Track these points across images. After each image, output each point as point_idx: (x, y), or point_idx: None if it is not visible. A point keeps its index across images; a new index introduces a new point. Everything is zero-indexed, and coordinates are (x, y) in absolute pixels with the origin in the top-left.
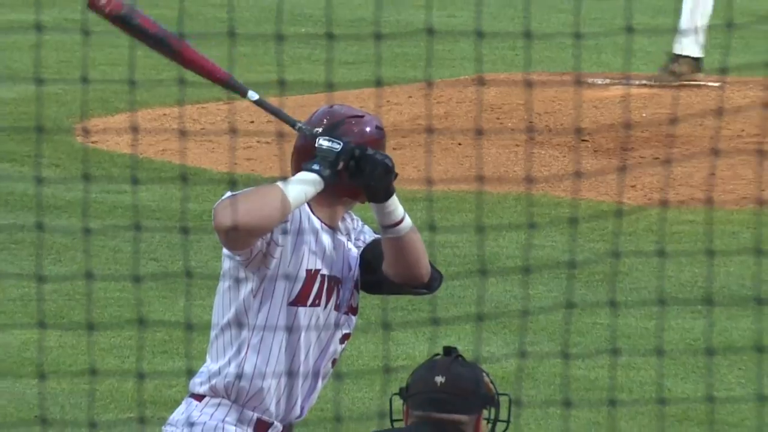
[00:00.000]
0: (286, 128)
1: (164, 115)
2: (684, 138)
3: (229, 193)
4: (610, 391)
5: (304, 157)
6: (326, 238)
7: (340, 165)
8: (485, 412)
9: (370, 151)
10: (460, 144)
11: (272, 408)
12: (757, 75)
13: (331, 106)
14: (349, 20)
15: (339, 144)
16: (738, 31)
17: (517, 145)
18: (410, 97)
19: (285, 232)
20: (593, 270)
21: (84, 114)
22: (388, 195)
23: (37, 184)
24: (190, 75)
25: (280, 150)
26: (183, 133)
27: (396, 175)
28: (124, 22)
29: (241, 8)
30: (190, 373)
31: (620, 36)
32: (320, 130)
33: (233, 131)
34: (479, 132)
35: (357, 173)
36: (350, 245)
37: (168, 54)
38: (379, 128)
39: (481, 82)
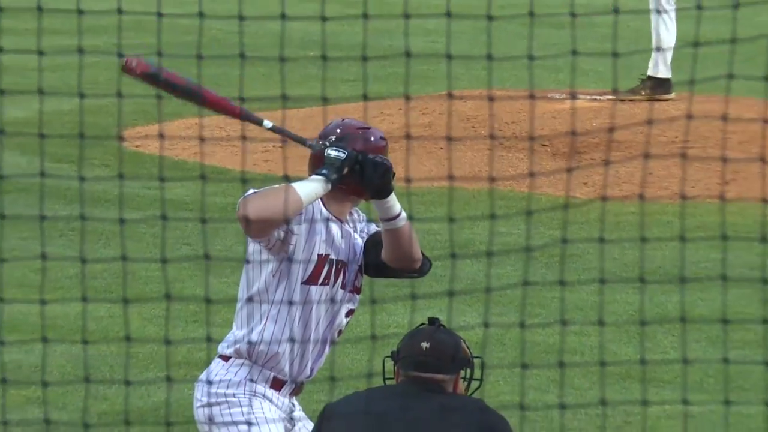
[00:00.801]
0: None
1: (195, 124)
2: (626, 143)
3: (252, 190)
4: (564, 354)
5: (318, 163)
6: (335, 228)
7: (345, 170)
8: (462, 373)
9: (370, 156)
10: (441, 148)
11: (286, 369)
12: (715, 92)
13: (343, 120)
14: (350, 45)
15: (344, 153)
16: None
17: (488, 149)
18: (400, 109)
19: (300, 223)
20: (551, 253)
21: (128, 123)
22: (387, 192)
23: (89, 182)
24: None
25: (284, 153)
26: (209, 140)
27: (394, 174)
28: (154, 78)
29: (259, 35)
30: (214, 339)
31: (576, 58)
32: (328, 142)
33: (245, 137)
34: (455, 139)
35: (360, 175)
36: (356, 235)
37: (192, 100)
38: (382, 138)
39: (456, 96)
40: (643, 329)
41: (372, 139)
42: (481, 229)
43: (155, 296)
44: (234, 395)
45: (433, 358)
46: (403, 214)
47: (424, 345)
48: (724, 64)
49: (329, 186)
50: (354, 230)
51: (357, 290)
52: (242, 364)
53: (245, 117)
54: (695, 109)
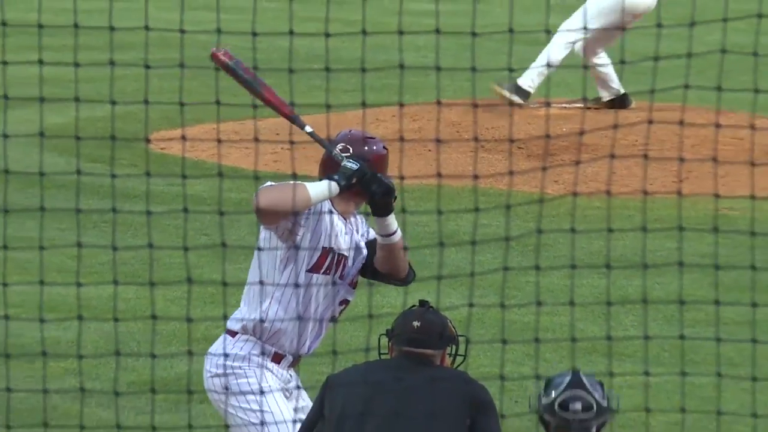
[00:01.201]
0: (297, 137)
1: (213, 128)
2: (593, 146)
3: (269, 183)
4: (539, 332)
5: (329, 168)
6: (340, 224)
7: (354, 180)
8: (448, 348)
9: (378, 175)
10: (429, 150)
11: (286, 345)
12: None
13: (350, 131)
14: (350, 59)
15: (357, 165)
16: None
17: (472, 151)
18: (393, 116)
19: (308, 216)
20: (527, 242)
21: (154, 128)
22: (387, 211)
23: (119, 179)
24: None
25: (291, 155)
26: (225, 142)
27: (395, 197)
28: (232, 69)
29: (270, 50)
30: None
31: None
32: (347, 154)
33: (258, 140)
34: (442, 141)
35: (366, 187)
36: (357, 236)
37: (255, 93)
38: (385, 147)
39: (443, 104)
40: (608, 309)
41: (375, 147)
42: (465, 221)
43: (177, 280)
44: (241, 367)
45: (423, 335)
46: (399, 233)
47: (415, 324)
48: (680, 77)
49: (337, 190)
50: (356, 231)
51: (354, 284)
52: (247, 340)
53: (293, 119)
54: (654, 116)
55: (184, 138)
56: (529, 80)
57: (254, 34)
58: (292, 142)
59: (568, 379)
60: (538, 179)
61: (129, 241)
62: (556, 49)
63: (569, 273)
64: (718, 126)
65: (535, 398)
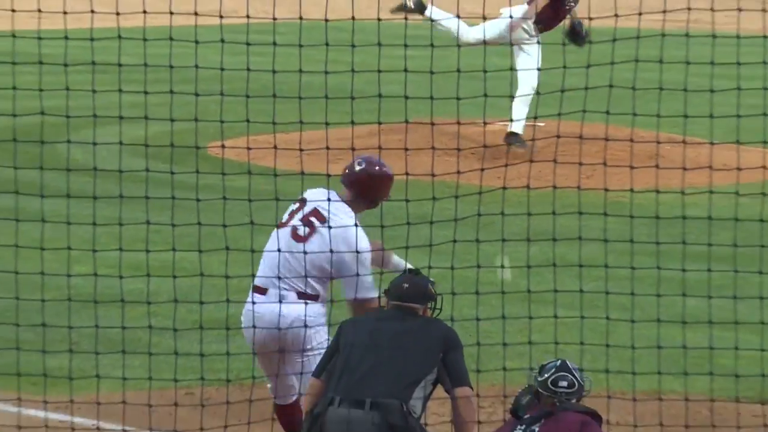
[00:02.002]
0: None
1: (254, 139)
2: (522, 153)
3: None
4: (478, 286)
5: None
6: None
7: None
8: (429, 304)
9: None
10: (409, 155)
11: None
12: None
13: (366, 156)
14: (343, 89)
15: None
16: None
17: (437, 156)
18: (376, 131)
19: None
20: (473, 221)
21: (211, 137)
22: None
23: (180, 175)
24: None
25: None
26: (255, 148)
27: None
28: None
29: (287, 83)
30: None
31: (488, 99)
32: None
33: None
34: (414, 149)
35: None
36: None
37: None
38: (390, 171)
39: (413, 122)
40: (528, 271)
41: (386, 169)
42: (428, 206)
43: (220, 247)
44: (320, 325)
45: (410, 293)
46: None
47: (405, 285)
48: (581, 104)
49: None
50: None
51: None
52: (321, 307)
53: None
54: (561, 131)
55: (223, 146)
56: (519, 127)
57: (274, 71)
58: (328, 148)
59: (557, 364)
60: (482, 176)
61: (185, 219)
62: (521, 101)
63: (502, 244)
64: (607, 140)
65: (532, 378)
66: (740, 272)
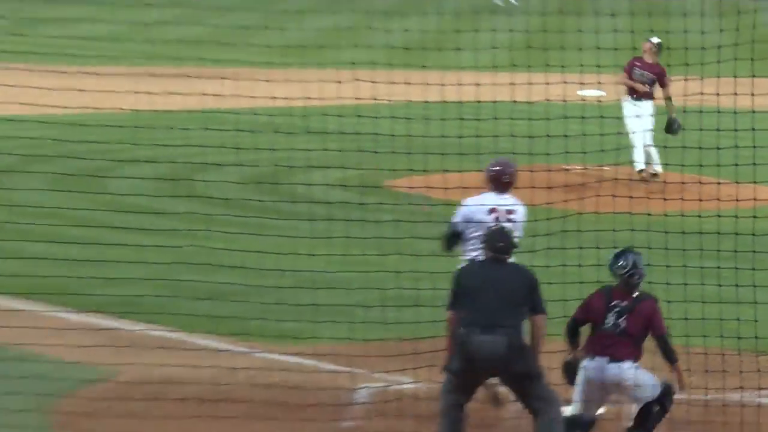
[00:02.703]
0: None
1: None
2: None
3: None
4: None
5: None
6: None
7: None
8: (513, 255)
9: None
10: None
11: None
12: None
13: (503, 159)
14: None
15: None
16: None
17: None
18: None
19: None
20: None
21: (394, 175)
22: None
23: (369, 205)
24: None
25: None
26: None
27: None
28: None
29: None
30: None
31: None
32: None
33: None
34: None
35: None
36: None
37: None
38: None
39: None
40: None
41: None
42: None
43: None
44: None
45: (504, 247)
46: None
47: (500, 243)
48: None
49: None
50: None
51: None
52: None
53: None
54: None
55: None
56: (642, 164)
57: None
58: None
59: (625, 251)
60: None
61: (360, 234)
62: (637, 149)
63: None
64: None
65: (609, 263)
66: None
